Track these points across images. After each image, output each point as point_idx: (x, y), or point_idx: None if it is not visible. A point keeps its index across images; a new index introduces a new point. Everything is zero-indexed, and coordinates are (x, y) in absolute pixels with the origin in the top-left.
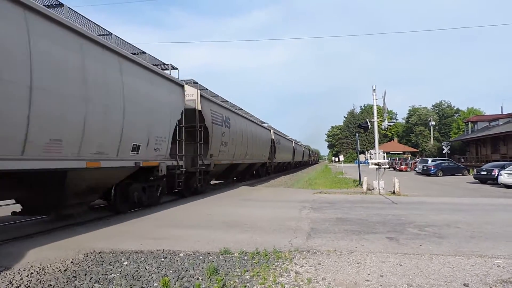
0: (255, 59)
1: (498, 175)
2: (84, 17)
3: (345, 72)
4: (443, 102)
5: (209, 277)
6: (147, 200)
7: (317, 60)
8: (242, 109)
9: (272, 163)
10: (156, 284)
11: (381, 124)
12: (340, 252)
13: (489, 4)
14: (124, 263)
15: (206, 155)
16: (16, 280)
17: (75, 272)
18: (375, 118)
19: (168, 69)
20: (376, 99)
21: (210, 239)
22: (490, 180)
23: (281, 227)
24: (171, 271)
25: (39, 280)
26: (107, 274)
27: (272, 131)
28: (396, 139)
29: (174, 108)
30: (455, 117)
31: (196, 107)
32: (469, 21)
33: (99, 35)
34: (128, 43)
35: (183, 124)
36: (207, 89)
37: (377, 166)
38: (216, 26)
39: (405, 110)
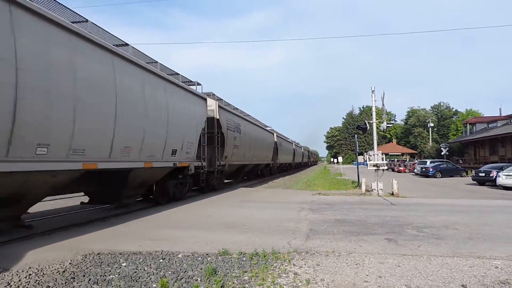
0: (255, 59)
1: (496, 176)
2: (141, 52)
3: (345, 73)
4: (441, 104)
5: (208, 278)
6: (178, 195)
7: (316, 61)
8: (249, 115)
9: (275, 164)
10: (155, 285)
11: (380, 126)
12: (339, 253)
13: (489, 5)
14: (123, 264)
15: (222, 157)
16: (15, 282)
17: (74, 273)
18: (374, 120)
19: (194, 85)
20: (375, 101)
21: (209, 240)
22: (488, 181)
23: (280, 228)
24: (170, 272)
25: (37, 282)
26: (105, 275)
27: (275, 134)
28: (394, 141)
29: (199, 117)
30: (453, 118)
31: (215, 116)
32: (468, 22)
33: (148, 62)
34: (167, 67)
35: (205, 130)
36: (222, 99)
37: (376, 168)
38: (216, 27)
39: (404, 112)
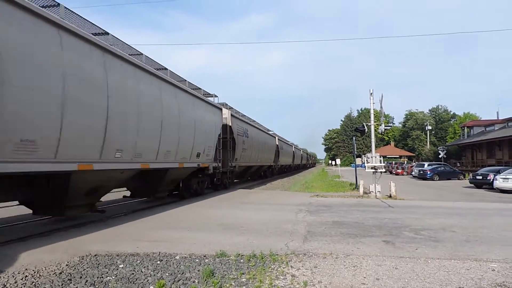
0: (254, 61)
1: (493, 179)
2: (160, 64)
3: (343, 76)
4: (439, 107)
5: (205, 280)
6: (199, 190)
7: (315, 63)
8: (254, 120)
9: (276, 165)
10: (152, 287)
11: (378, 128)
12: (337, 255)
13: (488, 8)
14: (120, 266)
15: (233, 159)
16: (10, 284)
17: (70, 275)
18: (372, 122)
19: (212, 97)
20: (373, 103)
21: (206, 242)
22: (485, 184)
23: (278, 230)
24: (167, 274)
25: (33, 283)
26: (102, 277)
27: (276, 138)
28: (392, 143)
29: (217, 125)
30: (451, 121)
31: (228, 123)
32: (467, 25)
33: (179, 81)
34: (191, 83)
35: (221, 136)
36: (232, 107)
37: (374, 170)
38: (216, 29)
39: (402, 114)
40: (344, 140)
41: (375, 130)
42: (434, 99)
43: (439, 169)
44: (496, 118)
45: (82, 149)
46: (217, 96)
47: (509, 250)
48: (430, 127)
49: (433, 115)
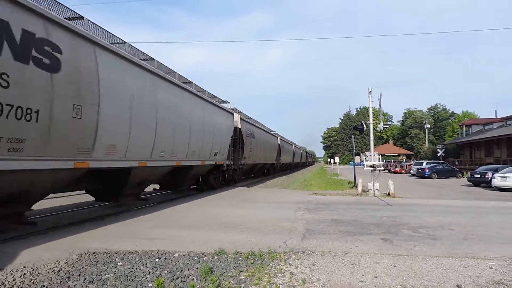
0: (253, 60)
1: (491, 178)
2: (186, 78)
3: (342, 74)
4: (438, 105)
5: (204, 278)
6: (215, 185)
7: (314, 61)
8: (259, 122)
9: (278, 163)
10: (151, 285)
11: (376, 126)
12: (335, 253)
13: (487, 7)
14: (119, 264)
15: (242, 158)
16: (9, 281)
17: (69, 272)
18: (371, 120)
19: (225, 103)
20: (372, 101)
21: (205, 240)
22: (483, 183)
23: (276, 228)
24: (166, 272)
25: (32, 281)
26: (101, 275)
27: (278, 137)
28: (391, 142)
29: (229, 128)
30: (450, 120)
31: (238, 126)
32: (467, 24)
33: (200, 91)
34: (210, 93)
35: (232, 137)
36: (241, 111)
37: (372, 168)
38: (214, 27)
39: (401, 113)
40: (343, 139)
41: (374, 129)
42: (433, 98)
43: (438, 167)
44: (494, 117)
45: (140, 151)
46: (229, 102)
47: (507, 248)
48: (428, 126)
49: (432, 114)
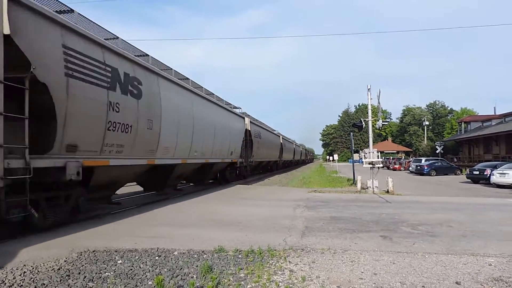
0: (252, 57)
1: (490, 175)
2: (207, 89)
3: (341, 71)
4: (437, 102)
5: (204, 275)
6: (230, 179)
7: (313, 58)
8: (264, 123)
9: (280, 161)
10: (150, 283)
11: (375, 124)
12: (334, 251)
13: (486, 3)
14: (118, 262)
15: (250, 156)
16: (9, 279)
17: (69, 270)
18: (370, 118)
19: (237, 108)
20: (371, 99)
21: (204, 238)
22: (482, 180)
23: (276, 226)
24: (166, 270)
25: (32, 279)
26: (101, 273)
27: (281, 136)
28: (390, 139)
29: (242, 130)
30: (448, 117)
31: (248, 128)
32: (465, 20)
33: (218, 99)
34: (227, 102)
35: (243, 138)
36: (250, 115)
37: (371, 165)
38: (213, 25)
39: (399, 110)
40: (341, 136)
41: (372, 126)
42: (432, 95)
43: (436, 164)
44: (493, 114)
45: (182, 151)
46: (240, 108)
47: (506, 244)
48: (427, 123)
49: (431, 111)
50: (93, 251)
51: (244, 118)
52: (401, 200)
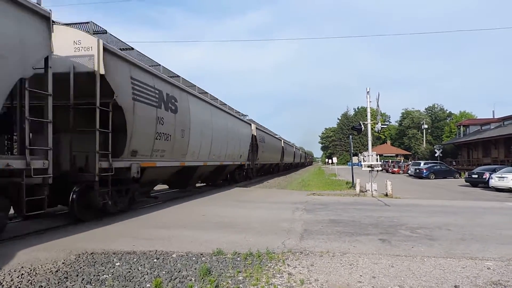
0: (250, 59)
1: (489, 178)
2: (214, 96)
3: (340, 74)
4: (436, 106)
5: (202, 278)
6: (239, 180)
7: (312, 61)
8: (267, 128)
9: (281, 163)
10: (149, 285)
11: (374, 127)
12: (333, 254)
13: (486, 6)
14: (117, 264)
15: (256, 159)
16: (7, 281)
17: (67, 273)
18: (369, 121)
19: (244, 116)
20: (370, 102)
21: (203, 240)
22: (481, 183)
23: (274, 228)
24: (164, 272)
25: (30, 281)
26: (99, 275)
27: (282, 141)
28: (389, 142)
29: (249, 136)
30: (447, 120)
31: (254, 134)
32: (463, 23)
33: (229, 108)
34: (237, 110)
35: (250, 143)
36: (255, 121)
37: (370, 168)
38: (213, 27)
39: (398, 113)
40: (340, 139)
41: (371, 129)
42: (430, 98)
43: (435, 167)
44: (492, 117)
45: (204, 155)
46: (247, 115)
47: (505, 248)
48: (426, 126)
49: (429, 114)
50: (91, 253)
51: (251, 124)
52: (400, 203)
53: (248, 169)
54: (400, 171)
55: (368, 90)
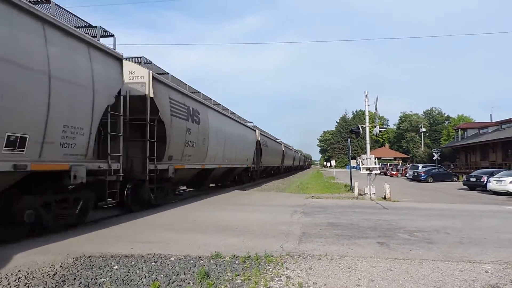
0: (248, 62)
1: (487, 182)
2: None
3: (338, 77)
4: (434, 109)
5: (200, 282)
6: (245, 181)
7: (310, 64)
8: (269, 133)
9: (282, 166)
10: None
11: (372, 130)
12: (331, 257)
13: (485, 10)
14: (114, 267)
15: (259, 162)
16: (4, 285)
17: (64, 276)
18: (367, 124)
19: (249, 122)
20: (368, 105)
21: (201, 243)
22: (479, 186)
23: (273, 232)
24: (162, 275)
25: (27, 285)
26: (96, 279)
27: (283, 144)
28: (387, 145)
29: (254, 141)
30: (445, 124)
31: (258, 139)
32: (464, 21)
33: (236, 116)
34: (244, 118)
35: (255, 147)
36: (259, 127)
37: (369, 172)
38: (211, 30)
39: (397, 116)
40: (339, 142)
41: (370, 132)
42: (428, 102)
43: (433, 171)
44: (489, 121)
45: (219, 159)
46: (252, 122)
47: (503, 251)
48: (424, 129)
49: (427, 117)
50: (89, 257)
51: (255, 130)
52: (398, 206)
53: (253, 171)
54: (398, 174)
55: (366, 93)
